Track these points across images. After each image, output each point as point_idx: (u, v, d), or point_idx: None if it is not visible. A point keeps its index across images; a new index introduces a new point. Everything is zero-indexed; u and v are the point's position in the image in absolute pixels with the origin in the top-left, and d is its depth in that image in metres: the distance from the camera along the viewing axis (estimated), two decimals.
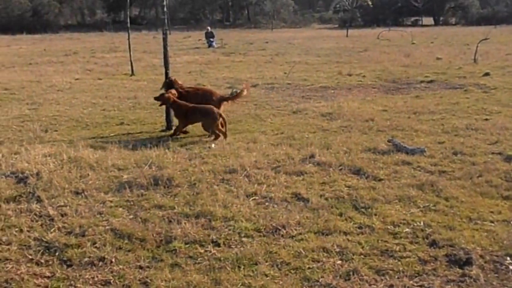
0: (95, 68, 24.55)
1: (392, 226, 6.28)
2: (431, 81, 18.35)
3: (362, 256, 5.58)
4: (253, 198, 7.22)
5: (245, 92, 11.70)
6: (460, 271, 5.25)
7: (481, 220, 6.43)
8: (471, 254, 5.48)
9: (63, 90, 17.73)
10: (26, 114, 13.61)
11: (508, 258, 5.48)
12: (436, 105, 13.79)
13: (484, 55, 25.20)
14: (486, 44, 27.53)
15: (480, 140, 10.05)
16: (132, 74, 21.68)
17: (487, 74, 19.20)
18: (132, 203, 7.10)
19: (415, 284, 5.03)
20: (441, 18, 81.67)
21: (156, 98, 11.25)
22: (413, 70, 21.36)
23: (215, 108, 10.64)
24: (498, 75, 19.25)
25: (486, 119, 11.89)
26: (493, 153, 9.17)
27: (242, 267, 5.35)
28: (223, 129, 10.63)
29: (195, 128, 11.17)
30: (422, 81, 18.44)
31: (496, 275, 5.20)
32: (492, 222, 6.38)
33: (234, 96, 11.99)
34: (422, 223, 6.33)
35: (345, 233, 6.10)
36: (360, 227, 6.27)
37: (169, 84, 11.73)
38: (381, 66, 22.80)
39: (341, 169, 8.35)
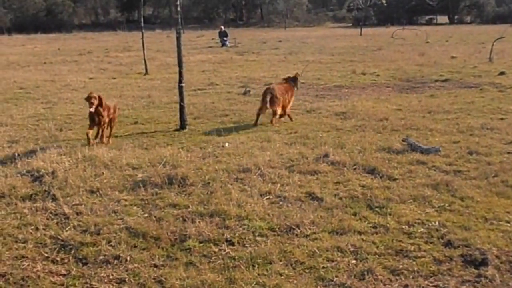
0: (109, 67, 24.67)
1: (406, 226, 6.26)
2: (445, 80, 18.27)
3: (376, 256, 5.56)
4: (267, 197, 7.22)
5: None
6: (476, 271, 5.21)
7: (497, 220, 6.39)
8: (487, 255, 5.45)
9: (77, 89, 17.83)
10: (41, 113, 13.71)
11: None
12: (451, 104, 13.72)
13: (499, 53, 25.04)
14: (501, 42, 27.34)
15: (496, 139, 9.99)
16: (146, 73, 21.76)
17: (502, 73, 19.08)
18: (146, 201, 7.13)
19: (430, 284, 5.00)
20: (456, 17, 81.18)
21: None
22: (427, 69, 21.27)
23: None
24: None
25: (502, 119, 11.82)
26: (508, 152, 9.11)
27: (256, 266, 5.35)
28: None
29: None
30: (436, 80, 18.36)
31: None
32: (508, 222, 6.34)
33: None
34: (437, 223, 6.30)
35: (360, 233, 6.08)
36: (374, 227, 6.26)
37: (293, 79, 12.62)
38: (395, 65, 22.73)
39: (355, 169, 8.33)
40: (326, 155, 8.87)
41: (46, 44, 43.88)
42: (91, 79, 20.60)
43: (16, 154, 9.20)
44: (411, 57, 25.88)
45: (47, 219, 6.63)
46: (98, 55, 31.46)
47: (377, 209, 6.77)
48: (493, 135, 10.28)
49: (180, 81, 11.66)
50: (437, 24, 75.16)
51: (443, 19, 79.27)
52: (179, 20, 11.71)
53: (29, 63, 26.95)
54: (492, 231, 6.07)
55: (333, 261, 5.46)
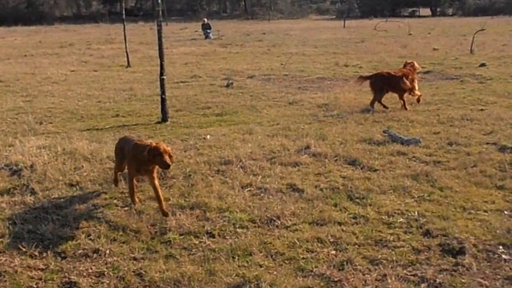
0: (90, 60, 24.50)
1: (386, 216, 6.30)
2: (427, 72, 18.33)
3: (356, 246, 5.59)
4: (248, 189, 7.22)
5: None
6: (453, 260, 5.26)
7: (475, 209, 6.45)
8: (465, 244, 5.49)
9: (58, 82, 17.69)
10: (20, 106, 13.59)
11: (501, 247, 5.50)
12: (432, 96, 13.79)
13: (480, 45, 25.19)
14: (482, 35, 27.53)
15: (475, 130, 10.05)
16: (128, 65, 21.64)
17: (483, 64, 19.19)
18: (126, 195, 7.09)
19: (409, 273, 5.03)
20: (438, 9, 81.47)
21: None
22: (409, 61, 21.30)
23: None
24: (494, 65, 19.24)
25: (482, 110, 11.90)
26: (488, 143, 9.17)
27: (237, 257, 5.35)
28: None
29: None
30: (418, 72, 18.36)
31: (489, 264, 5.21)
32: (485, 211, 6.40)
33: None
34: (416, 213, 6.34)
35: (340, 224, 6.11)
36: (354, 218, 6.28)
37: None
38: (378, 57, 22.78)
39: (336, 160, 8.35)
40: (307, 147, 8.89)
41: (26, 36, 43.47)
42: (72, 71, 20.43)
43: None
44: (394, 49, 25.97)
45: (26, 213, 6.58)
46: (80, 47, 31.22)
47: (357, 200, 6.80)
48: (473, 126, 10.35)
49: (162, 74, 11.60)
50: (419, 16, 75.36)
51: (426, 11, 79.58)
52: (160, 12, 11.65)
53: (9, 56, 26.68)
54: (470, 221, 6.12)
55: (313, 252, 5.48)
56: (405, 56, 22.88)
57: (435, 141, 9.31)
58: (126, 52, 21.98)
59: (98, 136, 10.16)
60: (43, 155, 8.60)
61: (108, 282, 4.99)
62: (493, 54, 22.73)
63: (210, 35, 38.08)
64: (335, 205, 6.64)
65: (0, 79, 18.45)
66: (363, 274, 5.05)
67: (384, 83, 12.15)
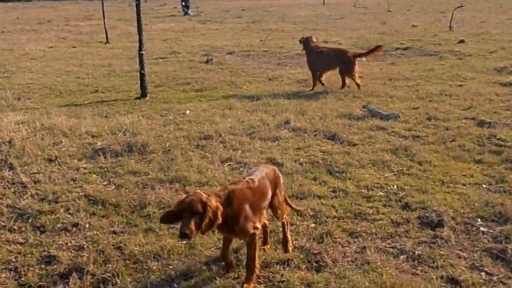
0: (69, 36, 24.18)
1: (366, 190, 6.34)
2: (406, 48, 18.35)
3: (335, 219, 5.62)
4: (228, 163, 7.22)
5: (378, 52, 12.00)
6: (432, 232, 5.31)
7: (454, 183, 6.51)
8: (443, 216, 5.55)
9: (36, 59, 17.46)
10: None
11: (479, 220, 5.56)
12: (411, 72, 13.82)
13: (459, 22, 25.22)
14: (461, 11, 27.57)
15: (454, 105, 10.12)
16: (107, 42, 21.42)
17: (462, 41, 19.24)
18: (106, 169, 7.06)
19: (388, 246, 5.08)
20: None
21: None
22: (389, 37, 21.32)
23: None
24: (473, 42, 19.30)
25: (460, 85, 11.96)
26: (466, 118, 9.25)
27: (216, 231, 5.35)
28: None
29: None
30: (397, 48, 18.43)
31: (467, 236, 5.27)
32: (464, 185, 6.47)
33: (367, 53, 12.12)
34: (395, 187, 6.39)
35: (319, 197, 6.14)
36: (334, 191, 6.32)
37: (305, 41, 12.35)
38: (357, 34, 22.73)
39: (316, 135, 8.37)
40: (287, 122, 8.89)
41: (4, 13, 42.74)
42: (50, 48, 20.16)
43: None
44: (373, 26, 25.92)
45: (4, 188, 6.53)
46: (58, 24, 30.76)
47: (337, 174, 6.83)
48: (452, 101, 10.41)
49: (140, 49, 11.49)
50: None
51: None
52: None
53: None
54: (448, 194, 6.18)
55: (292, 225, 5.49)
56: (384, 32, 22.92)
57: (414, 116, 9.36)
58: (105, 28, 21.74)
59: (77, 112, 10.07)
60: (21, 130, 8.51)
61: (87, 255, 4.96)
62: (472, 31, 22.78)
63: (189, 11, 37.72)
64: (315, 179, 6.67)
65: None
66: (343, 247, 5.09)
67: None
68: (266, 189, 4.65)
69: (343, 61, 11.66)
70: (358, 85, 11.69)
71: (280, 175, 5.01)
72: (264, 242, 5.07)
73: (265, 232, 5.07)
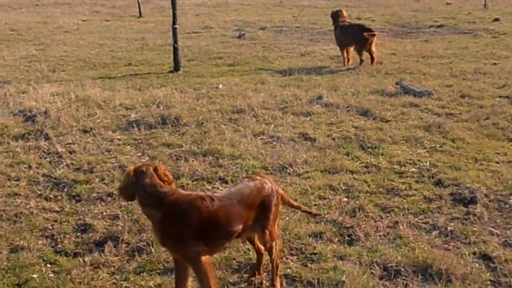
0: (102, 10, 24.30)
1: (398, 166, 6.33)
2: (440, 26, 18.10)
3: (368, 194, 5.64)
4: (261, 137, 7.26)
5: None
6: (465, 209, 5.31)
7: (487, 161, 6.47)
8: (476, 193, 5.53)
9: (70, 32, 17.60)
10: (33, 54, 13.58)
11: None
12: (444, 50, 13.65)
13: (494, 0, 24.78)
14: None
15: (488, 83, 10.00)
16: (140, 16, 21.48)
17: (496, 19, 18.91)
18: (139, 141, 7.15)
19: (420, 221, 5.09)
20: None
21: None
22: (422, 15, 21.05)
23: None
24: (508, 20, 18.94)
25: (495, 64, 11.80)
26: (500, 96, 9.15)
27: None
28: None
29: None
30: (431, 26, 18.19)
31: (500, 213, 5.26)
32: (497, 163, 6.42)
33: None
34: (428, 163, 6.37)
35: (352, 172, 6.15)
36: (366, 166, 6.33)
37: (334, 15, 12.28)
38: (390, 11, 22.48)
39: (348, 110, 8.35)
40: (320, 97, 8.87)
41: None
42: (84, 21, 20.29)
43: (8, 94, 9.17)
44: (406, 3, 25.57)
45: (40, 157, 6.66)
46: None
47: (369, 149, 6.83)
48: (486, 80, 10.28)
49: (174, 23, 11.52)
50: None
51: None
52: None
53: (20, 5, 26.48)
54: (481, 171, 6.15)
55: (325, 199, 5.54)
56: (418, 10, 22.61)
57: (448, 94, 9.27)
58: (138, 2, 21.79)
59: (110, 84, 10.17)
60: (56, 101, 8.64)
61: (122, 224, 5.07)
62: (507, 9, 22.36)
63: None
64: (347, 154, 6.68)
65: (13, 27, 18.37)
66: (375, 221, 5.11)
67: None
68: (232, 215, 3.79)
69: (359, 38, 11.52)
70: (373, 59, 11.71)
71: (280, 192, 4.18)
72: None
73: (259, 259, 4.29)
